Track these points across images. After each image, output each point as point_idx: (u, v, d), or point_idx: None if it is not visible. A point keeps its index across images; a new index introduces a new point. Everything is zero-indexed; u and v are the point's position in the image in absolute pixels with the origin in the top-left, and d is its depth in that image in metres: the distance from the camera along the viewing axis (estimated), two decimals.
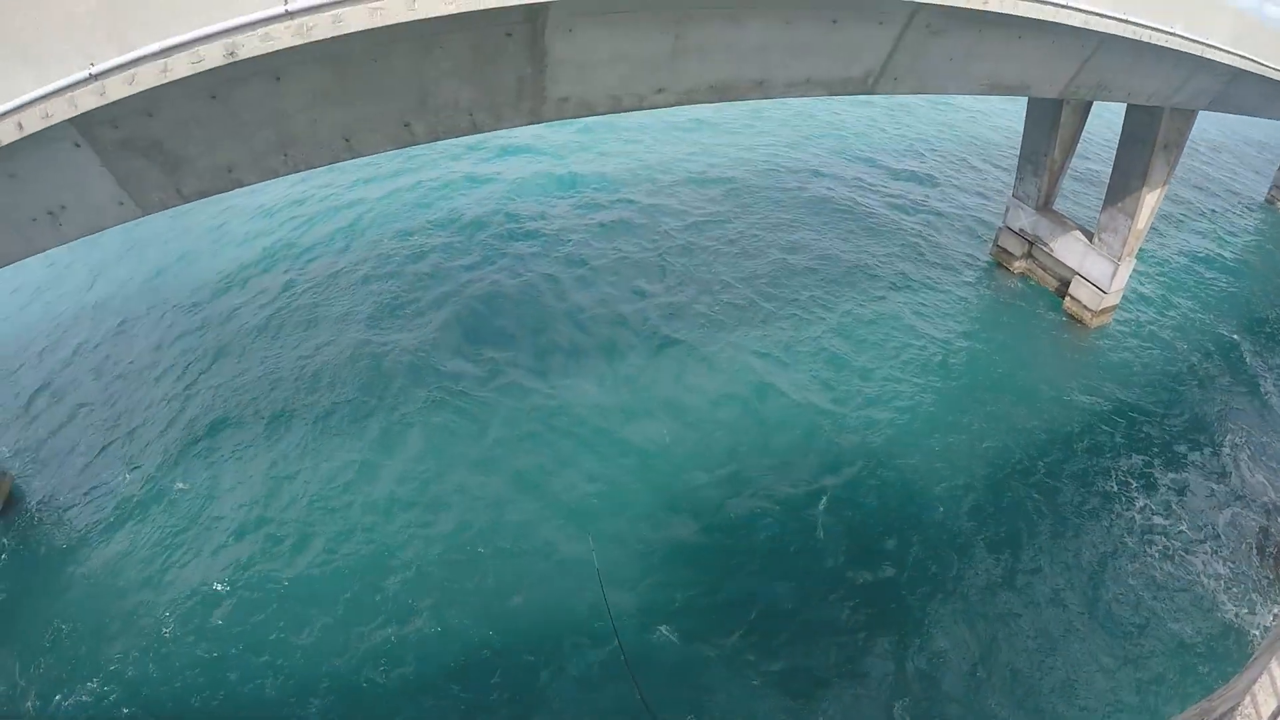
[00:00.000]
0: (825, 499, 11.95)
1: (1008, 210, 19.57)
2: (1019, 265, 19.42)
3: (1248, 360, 16.67)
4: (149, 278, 18.44)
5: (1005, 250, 19.73)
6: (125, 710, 8.99)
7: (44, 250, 7.50)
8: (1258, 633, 10.51)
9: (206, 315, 16.67)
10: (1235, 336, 17.44)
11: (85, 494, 12.25)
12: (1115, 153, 16.50)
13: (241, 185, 7.80)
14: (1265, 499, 12.95)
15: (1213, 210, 25.08)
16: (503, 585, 10.31)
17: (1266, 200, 27.31)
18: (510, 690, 9.16)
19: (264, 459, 12.37)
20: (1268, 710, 3.00)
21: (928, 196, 23.24)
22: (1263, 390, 15.76)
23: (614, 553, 10.74)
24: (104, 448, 13.18)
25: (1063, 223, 18.39)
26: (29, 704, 9.17)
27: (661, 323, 15.76)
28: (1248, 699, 3.38)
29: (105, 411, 14.12)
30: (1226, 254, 21.73)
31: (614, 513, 11.46)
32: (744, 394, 14.05)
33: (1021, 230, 19.24)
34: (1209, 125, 31.80)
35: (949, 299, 18.05)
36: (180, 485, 12.10)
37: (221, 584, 10.27)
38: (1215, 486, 13.13)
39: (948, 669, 9.73)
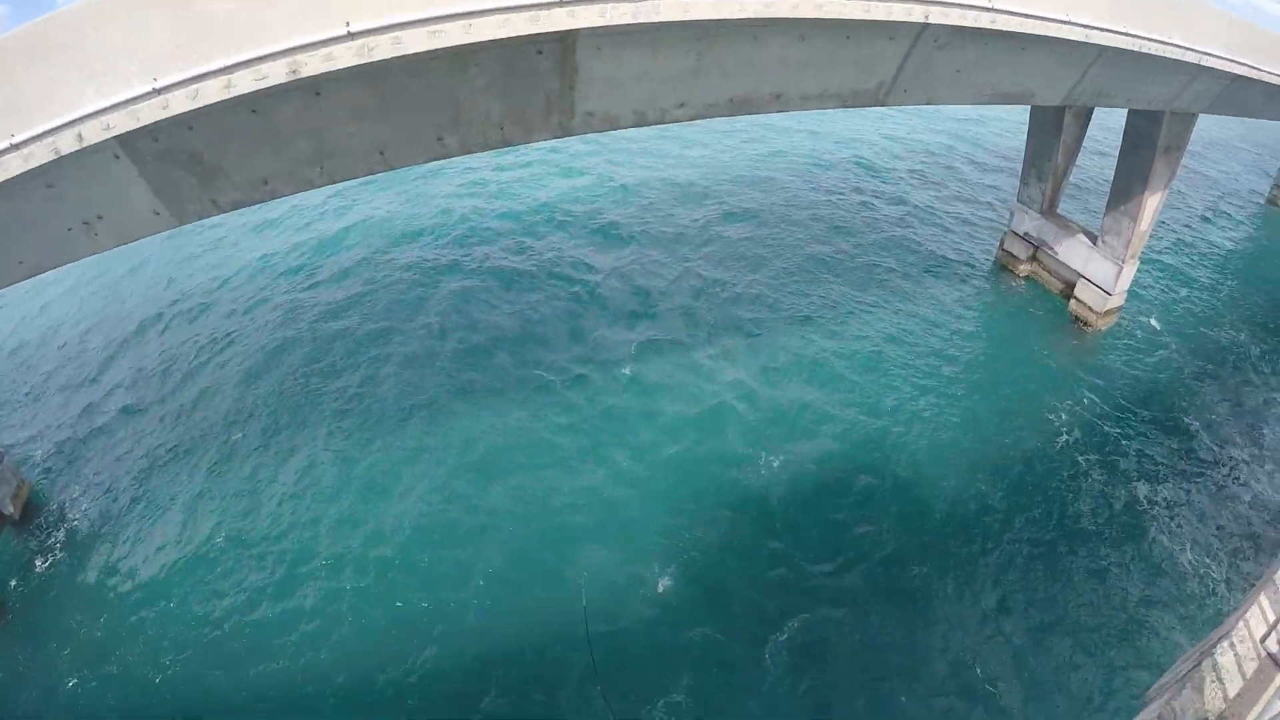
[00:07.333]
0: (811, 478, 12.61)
1: (1012, 215, 19.81)
2: (1024, 268, 19.65)
3: (1252, 365, 16.73)
4: (170, 280, 18.97)
5: (1010, 254, 19.97)
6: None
7: (78, 259, 7.70)
8: None
9: (224, 320, 17.13)
10: (1240, 338, 17.54)
11: (105, 498, 12.48)
12: (1118, 157, 16.54)
13: (277, 196, 7.97)
14: (1262, 504, 13.12)
15: (1215, 211, 25.27)
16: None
17: (1268, 200, 27.54)
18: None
19: (273, 468, 12.83)
20: (1259, 632, 3.45)
21: (931, 203, 23.50)
22: (1266, 395, 15.82)
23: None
24: (127, 452, 13.44)
25: (1067, 226, 18.60)
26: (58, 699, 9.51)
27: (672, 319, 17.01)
28: (1241, 624, 3.79)
29: (127, 416, 14.37)
30: (1229, 255, 21.88)
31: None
32: (747, 392, 14.55)
33: (1026, 234, 19.46)
34: (1210, 125, 32.00)
35: (957, 300, 18.28)
36: (199, 492, 12.43)
37: (235, 593, 10.74)
38: (1213, 492, 13.19)
39: (958, 644, 10.28)
